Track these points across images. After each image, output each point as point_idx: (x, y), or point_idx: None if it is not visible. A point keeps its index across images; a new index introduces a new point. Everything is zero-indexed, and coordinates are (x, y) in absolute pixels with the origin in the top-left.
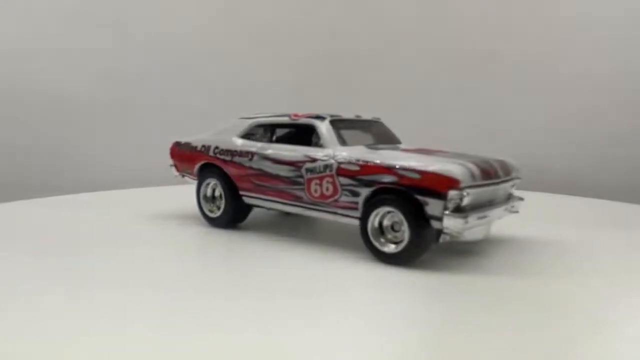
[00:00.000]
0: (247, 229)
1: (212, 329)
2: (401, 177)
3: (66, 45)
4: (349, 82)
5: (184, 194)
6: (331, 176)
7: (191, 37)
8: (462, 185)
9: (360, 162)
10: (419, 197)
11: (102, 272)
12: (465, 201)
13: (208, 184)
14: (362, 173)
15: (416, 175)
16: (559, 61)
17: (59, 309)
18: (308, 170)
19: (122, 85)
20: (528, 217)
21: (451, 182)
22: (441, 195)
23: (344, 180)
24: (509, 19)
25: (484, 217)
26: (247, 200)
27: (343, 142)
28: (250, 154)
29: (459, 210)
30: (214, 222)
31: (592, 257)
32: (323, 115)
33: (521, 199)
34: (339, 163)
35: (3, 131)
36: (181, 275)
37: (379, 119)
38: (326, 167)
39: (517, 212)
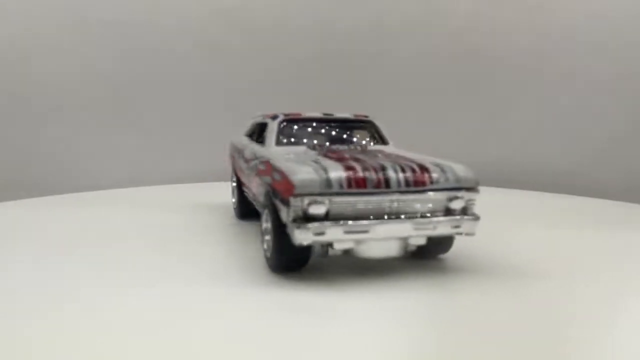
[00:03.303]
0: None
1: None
2: (273, 179)
3: (66, 45)
4: (349, 81)
5: (182, 193)
6: (257, 175)
7: (191, 37)
8: (297, 192)
9: (265, 163)
10: (276, 202)
11: (102, 271)
12: (317, 210)
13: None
14: (263, 173)
15: (279, 179)
16: (558, 61)
17: (62, 308)
18: (250, 168)
19: (122, 86)
20: (527, 217)
21: (291, 188)
22: (284, 201)
23: (258, 180)
24: (508, 19)
25: (359, 231)
26: (245, 193)
27: (285, 142)
28: (238, 151)
29: (308, 219)
30: (235, 213)
31: (590, 256)
32: (278, 115)
33: (476, 218)
34: (260, 163)
35: (3, 131)
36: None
37: (367, 116)
38: (255, 166)
39: (471, 234)
